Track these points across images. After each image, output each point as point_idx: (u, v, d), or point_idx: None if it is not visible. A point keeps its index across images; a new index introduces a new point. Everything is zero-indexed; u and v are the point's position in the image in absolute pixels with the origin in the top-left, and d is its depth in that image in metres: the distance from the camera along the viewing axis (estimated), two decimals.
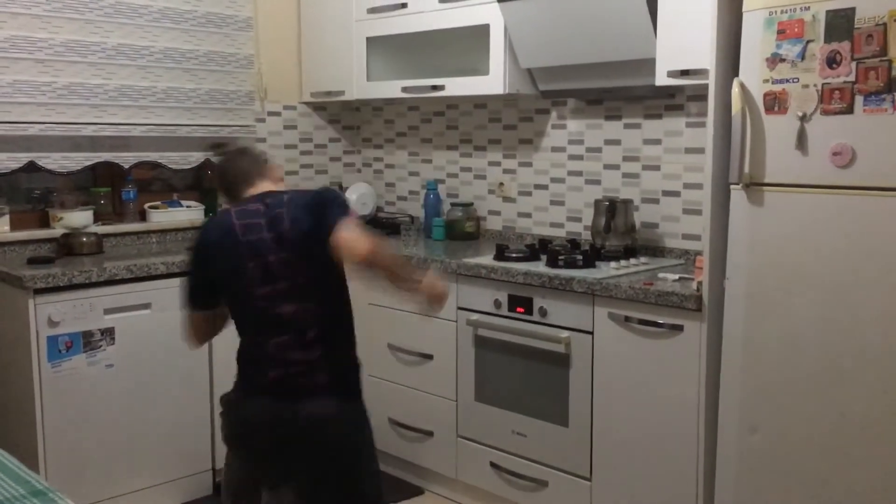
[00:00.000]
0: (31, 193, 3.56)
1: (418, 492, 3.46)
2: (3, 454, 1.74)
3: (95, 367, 3.04)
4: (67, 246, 3.35)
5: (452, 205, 3.90)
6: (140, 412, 3.17)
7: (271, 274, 2.12)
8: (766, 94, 2.31)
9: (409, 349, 3.41)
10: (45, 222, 3.51)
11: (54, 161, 3.43)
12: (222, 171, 2.35)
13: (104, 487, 3.09)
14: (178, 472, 3.30)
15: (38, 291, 2.91)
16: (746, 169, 2.35)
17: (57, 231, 3.42)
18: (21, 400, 3.00)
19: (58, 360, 2.96)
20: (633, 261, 3.02)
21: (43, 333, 2.93)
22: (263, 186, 2.28)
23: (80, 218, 3.49)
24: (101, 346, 3.05)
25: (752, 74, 2.34)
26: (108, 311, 3.06)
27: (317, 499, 2.19)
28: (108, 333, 3.07)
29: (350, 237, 2.06)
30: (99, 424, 3.07)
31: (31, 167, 3.39)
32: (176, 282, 3.22)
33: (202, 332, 2.34)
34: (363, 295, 3.60)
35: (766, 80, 2.31)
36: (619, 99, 3.36)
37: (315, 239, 2.08)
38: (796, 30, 2.24)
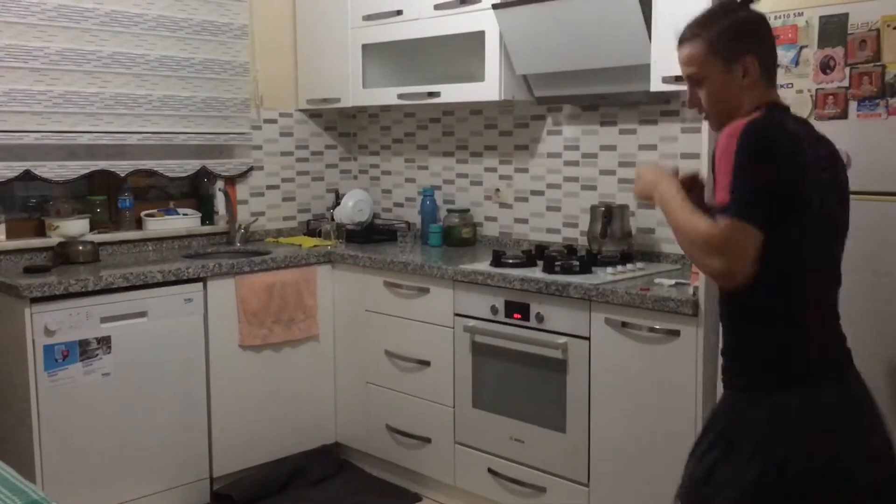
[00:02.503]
0: (27, 202, 3.56)
1: (416, 499, 3.45)
2: (0, 464, 1.74)
3: (92, 375, 3.04)
4: (63, 255, 3.34)
5: (449, 211, 3.90)
6: (137, 421, 3.16)
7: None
8: None
9: (407, 356, 3.41)
10: (41, 231, 3.51)
11: (50, 170, 3.43)
12: (768, 32, 1.84)
13: (101, 497, 3.08)
14: (175, 480, 3.29)
15: (35, 300, 2.91)
16: None
17: (53, 240, 3.42)
18: (17, 409, 2.99)
19: (54, 370, 2.95)
20: (629, 266, 3.02)
21: (39, 342, 2.92)
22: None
23: (76, 226, 3.49)
24: (97, 355, 3.05)
25: None
26: (104, 320, 3.06)
27: None
28: (105, 342, 3.06)
29: None
30: (96, 433, 3.06)
31: (27, 176, 3.39)
32: (172, 290, 3.23)
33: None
34: (360, 301, 3.61)
35: None
36: (614, 105, 3.36)
37: None
38: (790, 35, 2.25)
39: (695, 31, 1.79)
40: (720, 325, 1.87)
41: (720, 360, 1.88)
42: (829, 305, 1.80)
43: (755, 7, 1.83)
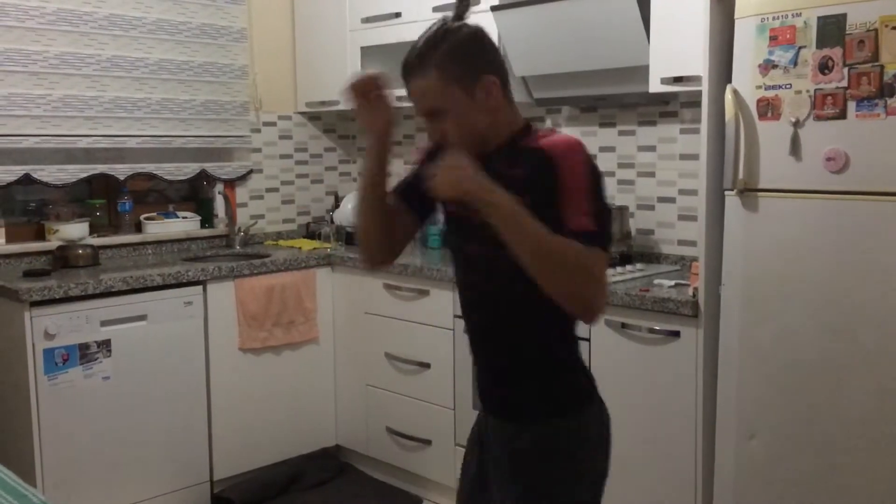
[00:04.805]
0: (27, 206, 3.55)
1: (417, 501, 3.45)
2: (0, 468, 1.74)
3: (92, 379, 3.03)
4: (63, 258, 3.34)
5: None
6: (137, 424, 3.16)
7: None
8: (759, 101, 2.32)
9: (407, 358, 3.41)
10: (40, 235, 3.51)
11: (49, 173, 3.43)
12: (493, 45, 1.70)
13: (102, 500, 3.08)
14: (175, 483, 3.29)
15: (34, 304, 2.90)
16: (741, 175, 2.35)
17: (52, 243, 3.42)
18: (17, 413, 2.99)
19: (54, 373, 2.95)
20: (629, 267, 3.02)
21: (39, 346, 2.92)
22: None
23: (75, 230, 3.49)
24: (97, 359, 3.05)
25: (745, 81, 2.34)
26: (104, 324, 3.06)
27: None
28: (105, 345, 3.06)
29: None
30: (96, 437, 3.06)
31: (27, 180, 3.39)
32: (172, 293, 3.23)
33: None
34: (360, 304, 3.61)
35: (758, 87, 2.32)
36: (613, 106, 3.37)
37: None
38: (788, 36, 2.25)
39: (422, 61, 1.60)
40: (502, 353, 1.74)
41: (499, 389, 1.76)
42: None
43: (469, 20, 1.66)
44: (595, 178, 1.58)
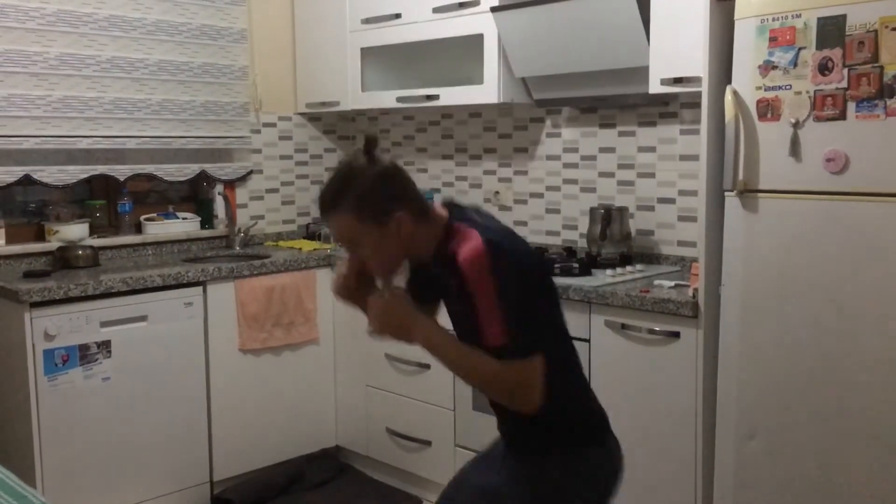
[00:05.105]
0: (27, 207, 3.55)
1: (417, 502, 3.45)
2: (0, 469, 1.74)
3: (92, 380, 3.04)
4: (63, 259, 3.34)
5: None
6: (137, 425, 3.16)
7: None
8: (759, 102, 2.32)
9: (407, 359, 3.41)
10: (40, 236, 3.51)
11: (50, 174, 3.43)
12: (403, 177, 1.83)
13: (102, 501, 3.08)
14: (175, 484, 3.29)
15: (34, 305, 2.90)
16: (740, 176, 2.35)
17: (53, 244, 3.42)
18: (17, 414, 2.99)
19: (54, 374, 2.95)
20: (628, 268, 3.02)
21: (39, 347, 2.92)
22: None
23: (75, 231, 3.49)
24: (97, 360, 3.05)
25: (745, 82, 2.35)
26: (104, 324, 3.06)
27: None
28: (105, 346, 3.06)
29: None
30: (96, 438, 3.06)
31: (27, 180, 3.39)
32: (172, 294, 3.23)
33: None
34: None
35: (758, 88, 2.32)
36: (613, 107, 3.37)
37: None
38: (788, 37, 2.25)
39: (336, 202, 1.73)
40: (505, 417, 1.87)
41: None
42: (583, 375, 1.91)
43: (379, 156, 1.78)
44: (501, 276, 1.63)
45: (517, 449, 1.86)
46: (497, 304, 1.63)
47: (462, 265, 1.65)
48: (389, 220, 1.71)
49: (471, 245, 1.65)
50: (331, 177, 1.79)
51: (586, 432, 1.84)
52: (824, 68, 2.19)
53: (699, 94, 2.50)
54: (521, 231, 3.72)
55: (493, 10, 3.22)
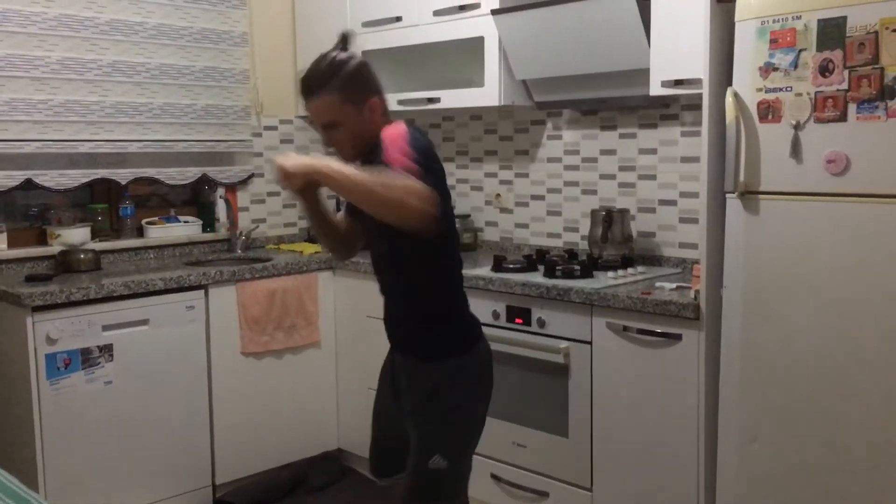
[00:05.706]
0: (29, 211, 3.56)
1: None
2: (3, 473, 1.74)
3: (94, 384, 3.04)
4: (65, 263, 3.35)
5: None
6: (139, 428, 3.16)
7: None
8: (759, 103, 2.32)
9: None
10: (42, 239, 3.51)
11: (51, 178, 3.44)
12: (373, 73, 2.17)
13: None
14: (178, 487, 3.29)
15: (36, 309, 2.91)
16: (741, 177, 2.36)
17: (54, 248, 3.42)
18: (20, 418, 2.99)
19: (56, 378, 2.95)
20: (630, 270, 3.02)
21: (41, 351, 2.92)
22: None
23: (77, 235, 3.49)
24: (99, 363, 3.05)
25: (746, 83, 2.35)
26: (106, 328, 3.06)
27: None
28: (107, 350, 3.07)
29: None
30: (98, 442, 3.06)
31: (29, 185, 3.40)
32: (174, 297, 3.23)
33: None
34: (362, 307, 3.61)
35: (759, 89, 2.32)
36: (613, 109, 3.37)
37: None
38: (788, 39, 2.25)
39: (322, 85, 2.03)
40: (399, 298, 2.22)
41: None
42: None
43: (353, 50, 2.13)
44: (416, 145, 1.93)
45: (421, 355, 2.16)
46: (409, 154, 1.90)
47: (384, 139, 1.96)
48: (366, 104, 2.05)
49: (396, 127, 2.02)
50: (314, 64, 2.08)
51: (473, 336, 2.18)
52: (825, 70, 2.20)
53: (700, 96, 2.50)
54: (522, 233, 3.73)
55: (494, 12, 3.22)
